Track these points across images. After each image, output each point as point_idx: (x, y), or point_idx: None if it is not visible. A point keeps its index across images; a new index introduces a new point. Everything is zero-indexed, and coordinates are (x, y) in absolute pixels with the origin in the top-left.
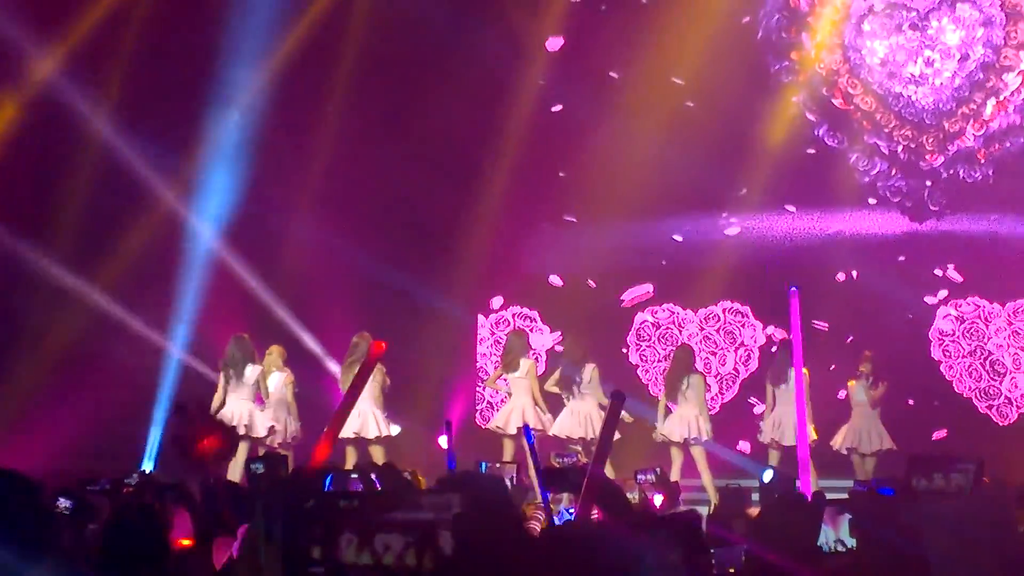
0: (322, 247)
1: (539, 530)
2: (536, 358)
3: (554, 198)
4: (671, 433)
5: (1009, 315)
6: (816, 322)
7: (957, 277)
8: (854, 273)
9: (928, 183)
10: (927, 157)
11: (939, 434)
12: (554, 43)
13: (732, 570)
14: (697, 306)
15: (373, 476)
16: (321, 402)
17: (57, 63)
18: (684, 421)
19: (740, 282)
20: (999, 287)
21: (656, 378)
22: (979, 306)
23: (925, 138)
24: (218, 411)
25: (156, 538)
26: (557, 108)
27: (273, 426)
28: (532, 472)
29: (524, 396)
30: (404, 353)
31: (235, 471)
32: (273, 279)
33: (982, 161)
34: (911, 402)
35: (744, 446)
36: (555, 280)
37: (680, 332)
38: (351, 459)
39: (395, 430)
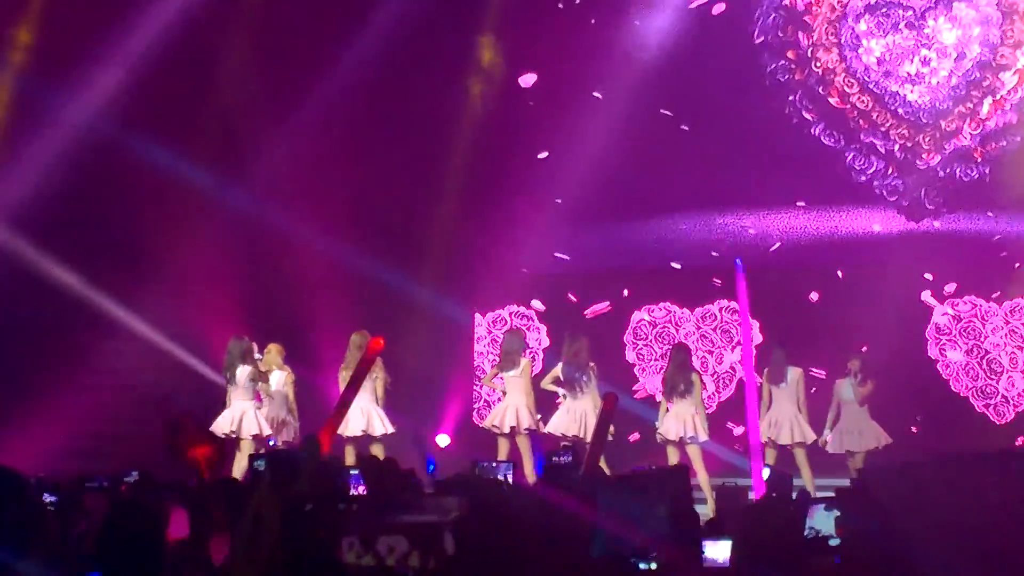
0: (319, 247)
1: None
2: (533, 357)
3: (551, 195)
4: (668, 432)
5: (1006, 314)
6: (814, 370)
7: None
8: (839, 273)
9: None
10: (924, 156)
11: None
12: (527, 79)
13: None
14: (694, 305)
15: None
16: (319, 401)
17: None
18: (680, 420)
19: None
20: (996, 286)
21: (653, 377)
22: (976, 305)
23: (922, 137)
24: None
25: (153, 536)
26: (543, 156)
27: (273, 423)
28: (529, 471)
29: (519, 395)
30: (401, 352)
31: (238, 471)
32: (270, 280)
33: (979, 160)
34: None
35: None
36: (537, 305)
37: (677, 331)
38: (350, 457)
39: (391, 428)
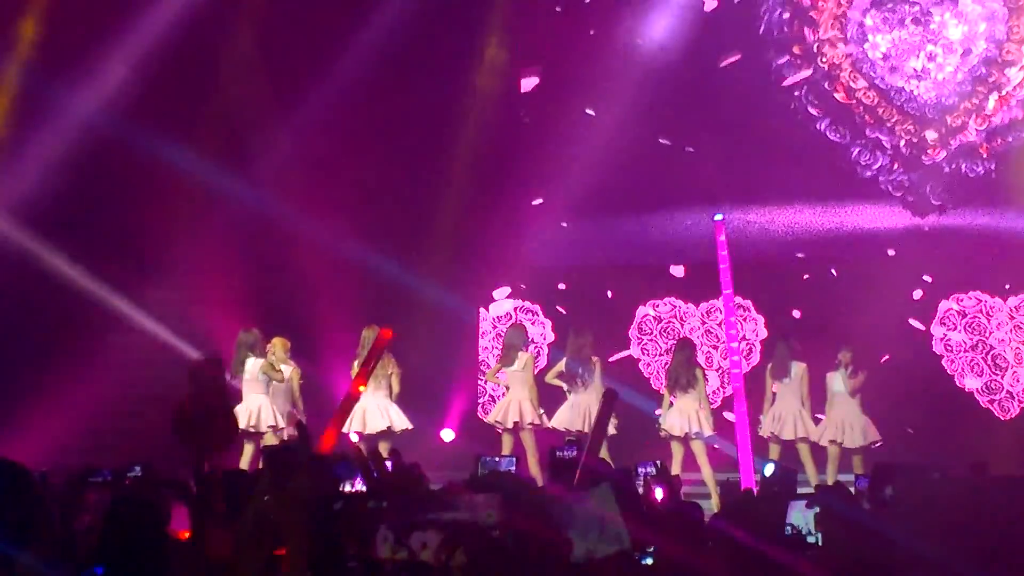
0: (322, 242)
1: None
2: (537, 352)
3: (558, 191)
4: (671, 427)
5: (1011, 310)
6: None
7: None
8: (833, 271)
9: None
10: (929, 152)
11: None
12: (528, 83)
13: None
14: (699, 300)
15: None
16: (324, 395)
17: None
18: (684, 415)
19: (742, 276)
20: (1001, 281)
21: (658, 372)
22: (981, 300)
23: (927, 133)
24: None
25: (154, 530)
26: (536, 202)
27: (290, 413)
28: (533, 466)
29: (522, 390)
30: (406, 347)
31: (245, 463)
32: (274, 274)
33: (984, 156)
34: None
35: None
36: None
37: (682, 326)
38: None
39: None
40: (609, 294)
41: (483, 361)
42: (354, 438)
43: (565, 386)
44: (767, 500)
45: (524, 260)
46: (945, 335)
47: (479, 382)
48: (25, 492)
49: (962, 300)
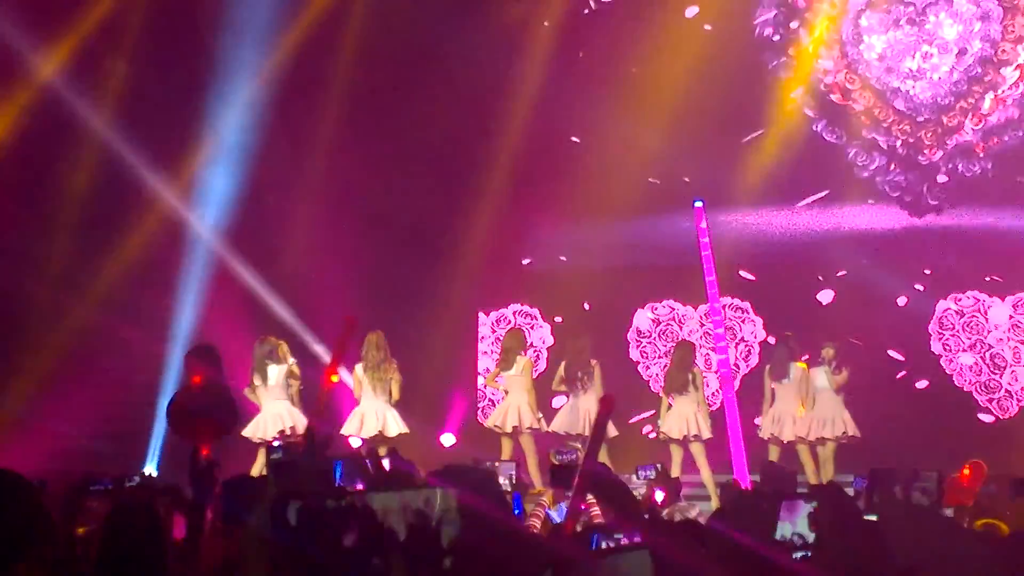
0: (322, 245)
1: (538, 527)
2: (537, 356)
3: (556, 194)
4: (671, 430)
5: (1009, 309)
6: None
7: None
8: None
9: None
10: (926, 152)
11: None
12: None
13: None
14: (697, 302)
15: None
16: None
17: (57, 64)
18: (683, 417)
19: (740, 278)
20: (998, 281)
21: (656, 375)
22: (979, 300)
23: (923, 133)
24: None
25: (154, 538)
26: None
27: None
28: (533, 470)
29: (520, 394)
30: (406, 351)
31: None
32: (274, 279)
33: (981, 155)
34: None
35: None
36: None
37: (680, 328)
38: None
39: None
40: (586, 306)
41: (483, 366)
42: (355, 442)
43: (570, 390)
44: (765, 499)
45: (523, 264)
46: (943, 335)
47: (479, 386)
48: (28, 504)
49: (960, 300)
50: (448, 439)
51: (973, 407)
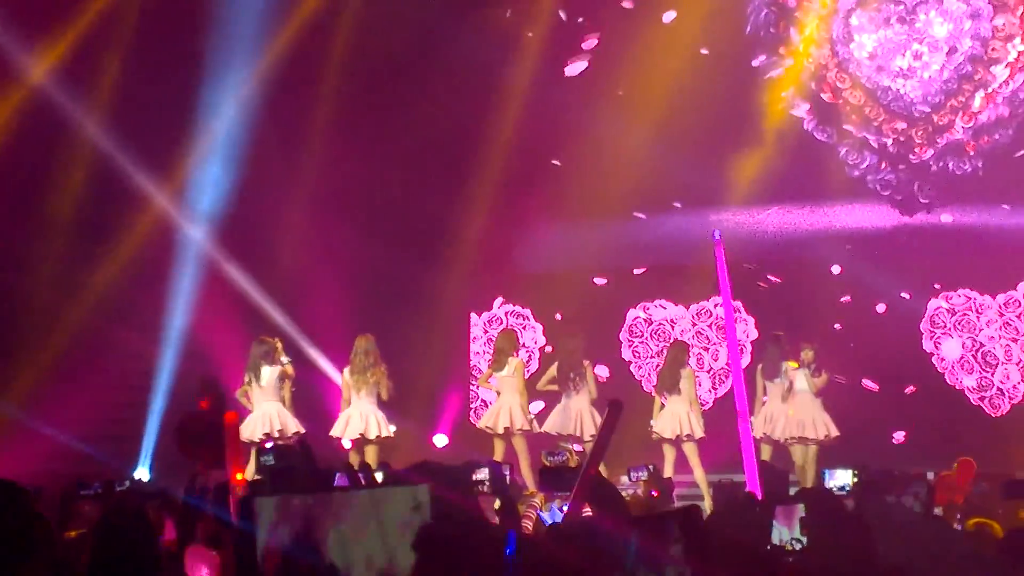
0: (315, 246)
1: (530, 528)
2: (529, 356)
3: (547, 195)
4: (663, 430)
5: (1000, 307)
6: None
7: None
8: (836, 269)
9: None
10: (916, 150)
11: (898, 437)
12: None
13: None
14: (689, 302)
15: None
16: (316, 400)
17: (49, 65)
18: (675, 417)
19: (732, 277)
20: (990, 279)
21: (649, 374)
22: (970, 298)
23: (914, 131)
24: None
25: (145, 542)
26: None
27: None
28: (525, 471)
29: (512, 395)
30: (398, 352)
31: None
32: (267, 279)
33: (971, 153)
34: (909, 389)
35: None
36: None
37: (672, 328)
38: (355, 461)
39: (392, 430)
40: (558, 316)
41: (475, 366)
42: (347, 444)
43: (561, 390)
44: (760, 504)
45: (515, 265)
46: (934, 333)
47: (471, 387)
48: (19, 509)
49: (951, 298)
50: (441, 440)
51: (965, 405)
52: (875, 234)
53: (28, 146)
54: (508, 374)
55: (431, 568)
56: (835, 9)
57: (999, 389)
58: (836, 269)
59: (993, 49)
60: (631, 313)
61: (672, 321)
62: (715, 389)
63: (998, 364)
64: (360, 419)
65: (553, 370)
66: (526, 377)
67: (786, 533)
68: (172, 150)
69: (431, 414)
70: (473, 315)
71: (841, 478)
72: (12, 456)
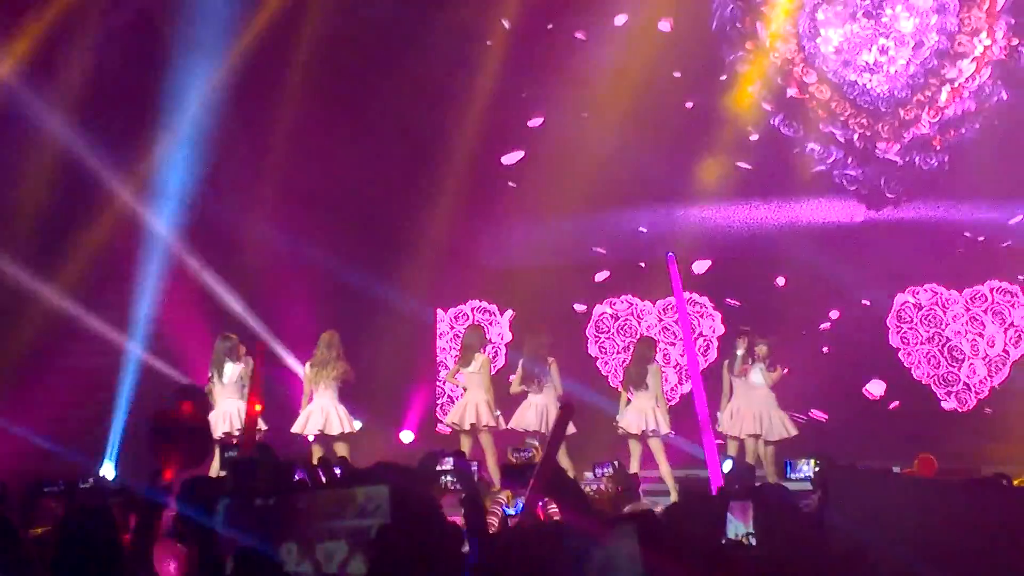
0: (280, 244)
1: (496, 525)
2: (495, 353)
3: (513, 191)
4: (629, 425)
5: (967, 302)
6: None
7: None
8: (780, 281)
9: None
10: (883, 145)
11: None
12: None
13: None
14: (655, 297)
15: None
16: (280, 397)
17: (13, 60)
18: (641, 413)
19: (698, 273)
20: (956, 274)
21: (616, 370)
22: (937, 293)
23: (880, 126)
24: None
25: (108, 540)
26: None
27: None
28: (492, 468)
29: (478, 391)
30: (364, 348)
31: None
32: (232, 277)
33: (938, 148)
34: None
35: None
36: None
37: (639, 323)
38: (317, 456)
39: (357, 425)
40: (511, 312)
41: (441, 362)
42: (310, 438)
43: (528, 388)
44: (715, 500)
45: (481, 260)
46: (901, 328)
47: (438, 383)
48: None
49: (918, 293)
50: (407, 436)
51: (932, 400)
52: (841, 229)
53: None
54: (475, 370)
55: (388, 569)
56: (801, 4)
57: (965, 384)
58: (780, 281)
59: (959, 44)
60: (597, 309)
61: (638, 316)
62: (681, 385)
63: (964, 359)
64: (320, 414)
65: (521, 369)
66: (492, 373)
67: (742, 528)
68: (138, 144)
69: (397, 411)
70: (440, 311)
71: (804, 469)
72: None
